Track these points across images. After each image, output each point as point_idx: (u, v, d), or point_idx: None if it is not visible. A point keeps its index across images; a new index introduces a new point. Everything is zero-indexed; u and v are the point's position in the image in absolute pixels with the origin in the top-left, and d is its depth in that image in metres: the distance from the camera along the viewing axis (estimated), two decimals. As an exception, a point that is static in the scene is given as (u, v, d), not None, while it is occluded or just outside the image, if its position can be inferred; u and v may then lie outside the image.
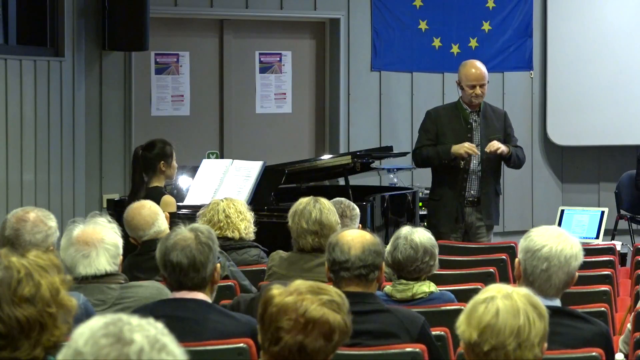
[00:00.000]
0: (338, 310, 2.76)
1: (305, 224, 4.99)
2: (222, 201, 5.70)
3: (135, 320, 2.00)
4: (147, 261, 4.81)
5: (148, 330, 1.98)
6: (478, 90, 7.47)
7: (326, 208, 5.05)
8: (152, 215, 5.37)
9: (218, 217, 5.61)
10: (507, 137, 7.64)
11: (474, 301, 2.77)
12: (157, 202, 6.48)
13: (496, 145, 7.40)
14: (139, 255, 5.29)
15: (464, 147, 7.37)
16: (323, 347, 2.73)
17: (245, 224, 5.65)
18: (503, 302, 2.73)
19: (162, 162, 6.71)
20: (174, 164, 6.79)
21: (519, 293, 2.77)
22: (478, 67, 7.57)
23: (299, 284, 2.81)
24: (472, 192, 7.53)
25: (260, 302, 2.80)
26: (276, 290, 2.79)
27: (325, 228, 4.98)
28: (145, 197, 6.61)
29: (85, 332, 1.98)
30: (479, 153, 7.45)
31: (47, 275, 2.74)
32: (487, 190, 7.55)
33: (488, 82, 7.60)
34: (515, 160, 7.63)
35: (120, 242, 4.14)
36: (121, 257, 4.14)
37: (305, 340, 2.71)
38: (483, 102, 7.62)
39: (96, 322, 1.99)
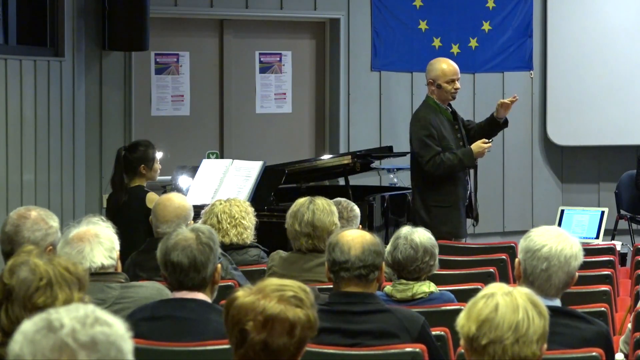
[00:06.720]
0: (300, 305, 2.75)
1: (297, 226, 4.97)
2: (221, 204, 5.66)
3: (62, 308, 2.04)
4: (150, 260, 4.80)
5: (76, 312, 2.02)
6: (457, 84, 7.29)
7: (320, 209, 4.99)
8: (179, 214, 5.33)
9: (211, 220, 5.59)
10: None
11: (474, 298, 2.79)
12: (142, 199, 6.51)
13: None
14: (144, 252, 5.28)
15: (482, 146, 7.15)
16: (287, 343, 2.72)
17: (238, 230, 5.58)
18: (503, 298, 2.75)
19: (143, 165, 6.70)
20: (156, 166, 6.78)
21: (520, 291, 2.79)
22: (450, 62, 7.40)
23: (265, 283, 2.80)
24: (469, 192, 7.40)
25: (224, 306, 2.80)
26: (240, 292, 2.79)
27: (318, 230, 4.95)
28: (129, 196, 6.64)
29: (19, 337, 2.00)
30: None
31: (66, 291, 2.75)
32: (474, 190, 7.44)
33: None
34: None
35: (115, 238, 4.11)
36: (118, 252, 4.11)
37: (268, 338, 2.70)
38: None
39: (25, 325, 2.02)
